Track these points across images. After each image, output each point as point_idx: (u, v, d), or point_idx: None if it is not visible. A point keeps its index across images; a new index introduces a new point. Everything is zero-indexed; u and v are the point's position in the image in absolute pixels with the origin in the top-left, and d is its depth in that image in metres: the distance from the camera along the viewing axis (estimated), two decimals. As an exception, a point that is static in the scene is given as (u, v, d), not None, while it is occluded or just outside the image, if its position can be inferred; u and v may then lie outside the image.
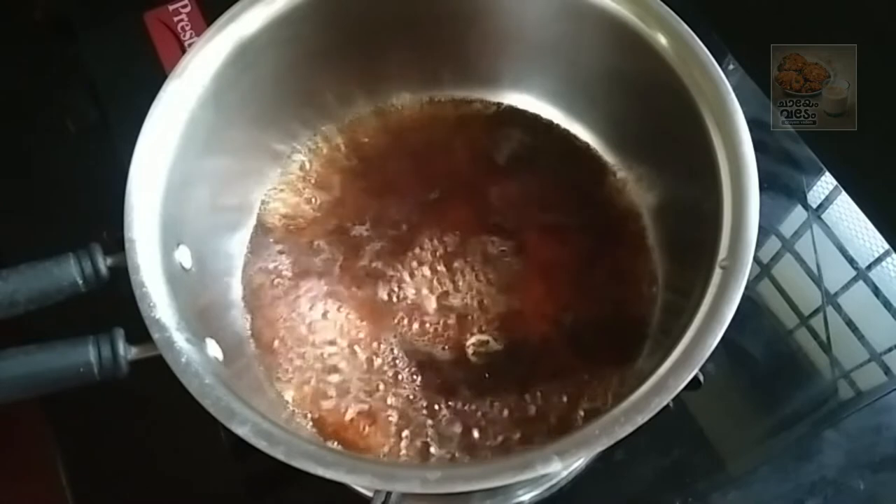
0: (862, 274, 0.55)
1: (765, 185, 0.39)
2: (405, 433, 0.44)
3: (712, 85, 0.41)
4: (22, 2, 0.66)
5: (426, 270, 0.48)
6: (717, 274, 0.37)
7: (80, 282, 0.38)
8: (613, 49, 0.46)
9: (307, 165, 0.52)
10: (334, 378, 0.45)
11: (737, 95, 0.41)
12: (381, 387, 0.45)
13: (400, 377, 0.45)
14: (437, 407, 0.44)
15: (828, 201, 0.58)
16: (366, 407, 0.44)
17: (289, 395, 0.45)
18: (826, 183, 0.58)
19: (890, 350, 0.53)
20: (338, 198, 0.51)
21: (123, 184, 0.39)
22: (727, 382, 0.51)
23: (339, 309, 0.47)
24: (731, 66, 0.60)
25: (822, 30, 0.53)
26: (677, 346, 0.36)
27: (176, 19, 0.63)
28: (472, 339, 0.46)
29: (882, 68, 0.52)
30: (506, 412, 0.44)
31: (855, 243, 0.56)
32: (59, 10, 0.63)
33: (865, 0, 0.59)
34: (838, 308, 0.54)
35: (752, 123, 0.40)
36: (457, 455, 0.43)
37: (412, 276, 0.48)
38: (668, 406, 0.34)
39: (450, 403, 0.44)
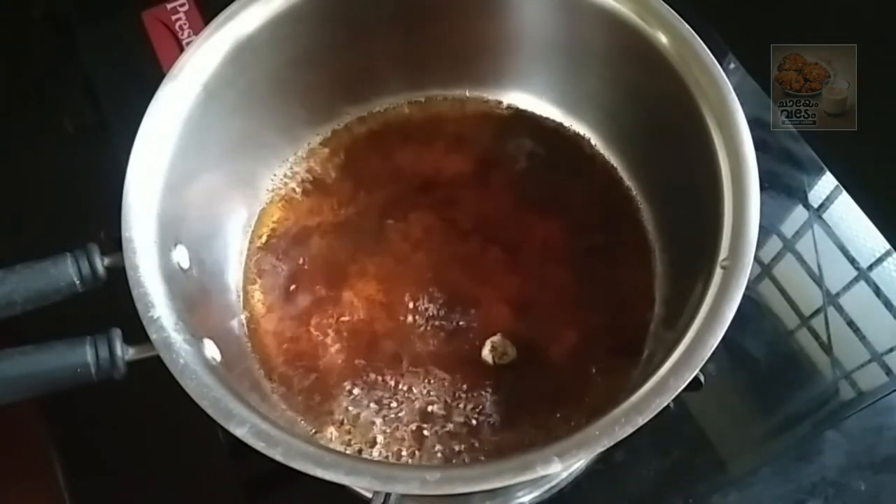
0: (863, 274, 0.55)
1: (765, 184, 0.39)
2: (404, 436, 0.43)
3: (713, 84, 0.41)
4: (20, 0, 0.65)
5: (426, 271, 0.48)
6: (718, 274, 0.37)
7: (78, 282, 0.38)
8: (614, 48, 0.46)
9: (306, 165, 0.52)
10: (332, 378, 0.45)
11: (737, 95, 0.41)
12: (381, 390, 0.45)
13: (398, 380, 0.45)
14: (435, 410, 0.44)
15: (829, 201, 0.58)
16: (366, 409, 0.44)
17: (287, 394, 0.45)
18: (827, 182, 0.58)
19: (891, 350, 0.53)
20: (337, 198, 0.51)
21: (121, 183, 0.39)
22: (728, 383, 0.51)
23: (338, 310, 0.47)
24: (731, 66, 0.60)
25: (822, 30, 0.53)
26: (678, 347, 0.35)
27: (174, 18, 0.63)
28: (471, 339, 0.46)
29: (882, 68, 0.52)
30: (504, 414, 0.44)
31: (856, 243, 0.56)
32: (57, 8, 0.63)
33: (865, 0, 0.58)
34: (839, 308, 0.54)
35: (752, 123, 0.40)
36: (455, 457, 0.43)
37: (411, 277, 0.48)
38: (668, 407, 0.34)
39: (449, 408, 0.44)
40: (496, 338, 0.46)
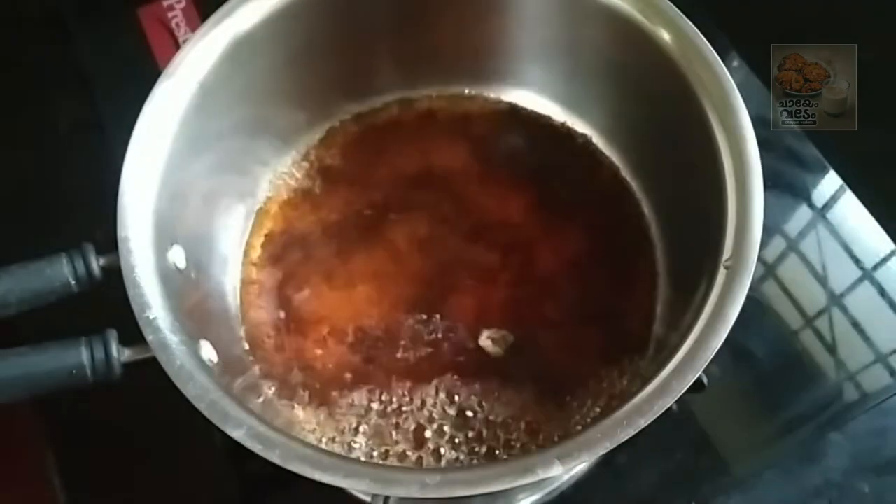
0: (868, 274, 0.55)
1: (769, 183, 0.38)
2: (407, 437, 0.43)
3: (716, 82, 0.41)
4: (15, -2, 0.65)
5: (425, 271, 0.48)
6: (721, 274, 0.37)
7: (73, 282, 0.38)
8: (616, 45, 0.46)
9: (304, 164, 0.52)
10: (331, 379, 0.45)
11: (741, 93, 0.41)
12: (382, 390, 0.45)
13: (399, 379, 0.45)
14: (434, 406, 0.44)
15: (833, 200, 0.58)
16: (366, 411, 0.44)
17: (284, 397, 0.45)
18: (831, 182, 0.58)
19: (896, 351, 0.53)
20: (335, 197, 0.51)
21: (116, 183, 0.39)
22: (731, 384, 0.51)
23: (336, 310, 0.47)
24: (735, 63, 0.59)
25: (822, 30, 0.53)
26: (681, 348, 0.35)
27: (170, 15, 0.63)
28: (472, 338, 0.46)
29: (882, 68, 0.51)
30: (504, 414, 0.44)
31: (861, 243, 0.56)
32: (51, 5, 0.63)
33: (865, 0, 0.58)
34: (844, 309, 0.54)
35: (756, 121, 0.40)
36: (456, 457, 0.43)
37: (411, 277, 0.48)
38: (671, 408, 0.33)
39: (453, 404, 0.44)
40: (491, 330, 0.46)
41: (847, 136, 0.53)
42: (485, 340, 0.46)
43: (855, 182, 0.57)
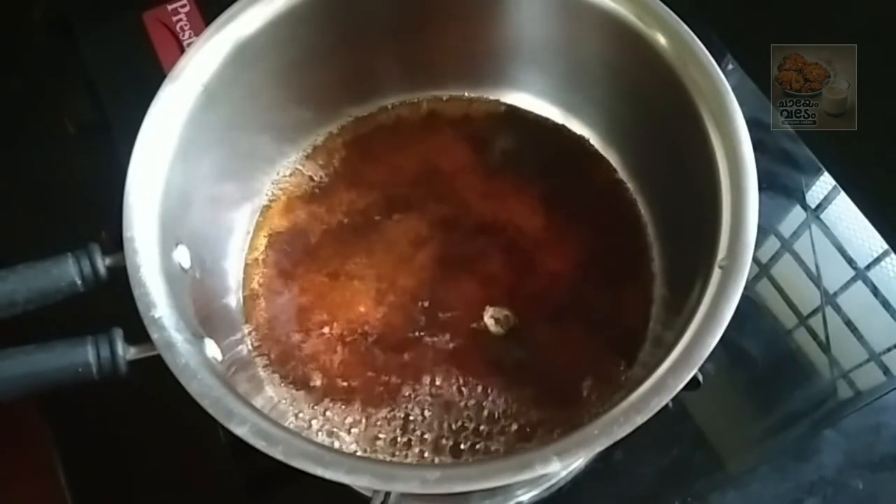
0: (861, 274, 0.55)
1: (763, 184, 0.39)
2: (406, 430, 0.44)
3: (711, 85, 0.42)
4: (21, 1, 0.66)
5: (426, 271, 0.49)
6: (716, 274, 0.37)
7: (79, 282, 0.38)
8: (612, 48, 0.46)
9: (307, 166, 0.52)
10: (333, 375, 0.45)
11: (736, 95, 0.41)
12: (385, 387, 0.45)
13: (402, 377, 0.45)
14: (435, 402, 0.44)
15: (827, 201, 0.58)
16: (371, 407, 0.45)
17: (288, 394, 0.45)
18: (825, 183, 0.58)
19: (889, 350, 0.53)
20: (338, 198, 0.51)
21: (122, 184, 0.39)
22: (726, 382, 0.52)
23: (340, 309, 0.48)
24: (730, 66, 0.60)
25: (822, 30, 0.53)
26: (676, 346, 0.36)
27: (175, 19, 0.63)
28: (472, 328, 0.46)
29: (882, 68, 0.52)
30: (502, 410, 0.44)
31: (854, 243, 0.56)
32: (58, 9, 0.64)
33: (865, 0, 0.59)
34: (837, 308, 0.54)
35: (751, 123, 0.40)
36: (457, 454, 0.43)
37: (412, 276, 0.48)
38: (667, 406, 0.34)
39: (449, 401, 0.44)
40: (494, 308, 0.46)
41: (841, 138, 0.53)
42: (488, 319, 0.46)
43: (848, 183, 0.57)
